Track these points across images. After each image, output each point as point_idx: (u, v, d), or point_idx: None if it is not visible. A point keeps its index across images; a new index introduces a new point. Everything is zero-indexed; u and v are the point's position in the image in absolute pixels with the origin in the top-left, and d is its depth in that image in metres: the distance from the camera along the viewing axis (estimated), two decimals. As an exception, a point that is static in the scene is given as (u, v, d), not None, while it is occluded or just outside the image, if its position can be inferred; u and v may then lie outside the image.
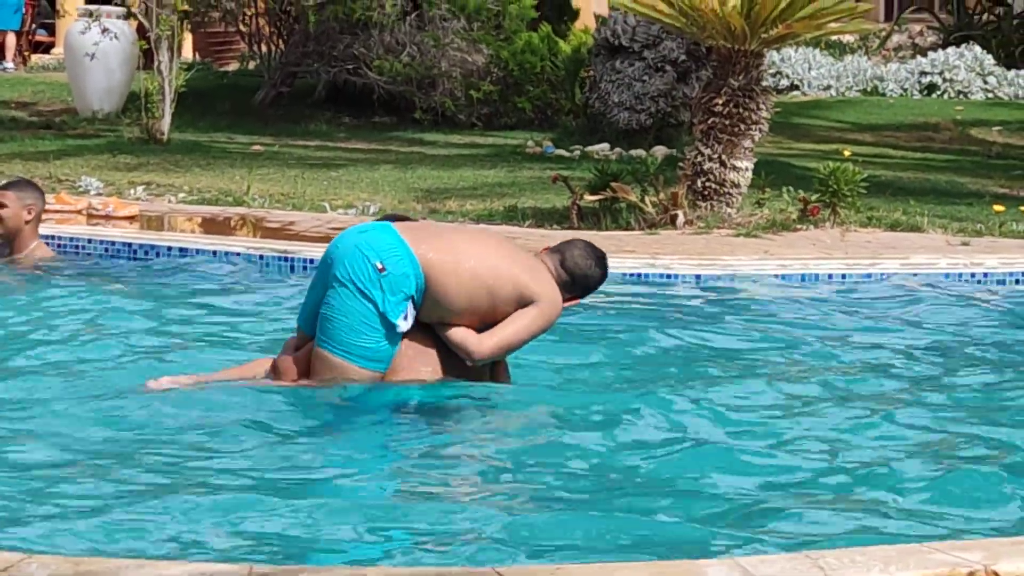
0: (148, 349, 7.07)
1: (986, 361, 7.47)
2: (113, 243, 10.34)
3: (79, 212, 11.71)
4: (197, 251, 10.07)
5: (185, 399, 5.97)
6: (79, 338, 7.29)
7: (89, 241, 10.42)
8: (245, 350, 6.97)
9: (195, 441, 5.55)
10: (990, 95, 22.13)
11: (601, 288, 6.44)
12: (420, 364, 5.99)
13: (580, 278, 6.20)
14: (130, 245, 10.29)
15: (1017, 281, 10.09)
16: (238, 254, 9.94)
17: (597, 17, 18.97)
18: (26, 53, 25.11)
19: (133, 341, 7.21)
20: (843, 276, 9.97)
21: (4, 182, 9.97)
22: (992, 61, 22.50)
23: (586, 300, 6.46)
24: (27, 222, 9.31)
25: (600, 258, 6.28)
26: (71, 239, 10.43)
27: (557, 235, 11.29)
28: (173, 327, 7.67)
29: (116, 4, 18.74)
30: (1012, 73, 22.37)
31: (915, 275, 10.00)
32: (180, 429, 5.69)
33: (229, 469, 5.21)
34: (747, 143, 11.93)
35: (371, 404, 5.89)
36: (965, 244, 11.18)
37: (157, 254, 10.11)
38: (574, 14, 21.37)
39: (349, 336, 5.89)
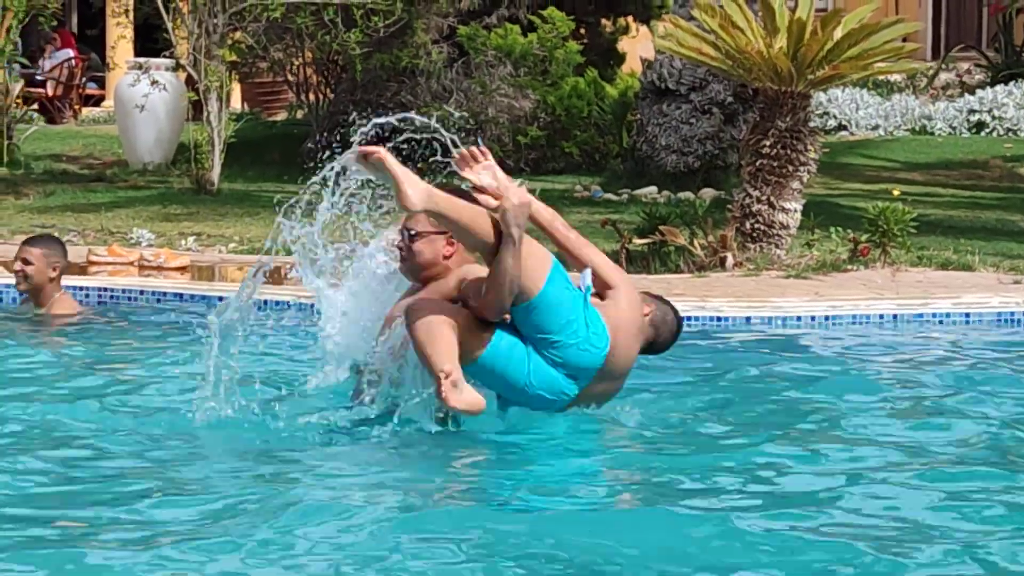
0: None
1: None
2: (165, 294, 10.41)
3: (131, 264, 11.79)
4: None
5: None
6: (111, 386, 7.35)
7: (141, 292, 10.49)
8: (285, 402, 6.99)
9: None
10: (1039, 132, 22.03)
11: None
12: None
13: (659, 343, 6.34)
14: (181, 296, 10.35)
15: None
16: (288, 303, 9.98)
17: (643, 61, 19.00)
18: (77, 107, 25.34)
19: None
20: (894, 316, 9.93)
21: (29, 238, 10.09)
22: (1041, 98, 22.40)
23: None
24: (51, 279, 9.55)
25: (675, 333, 6.41)
26: (124, 291, 10.50)
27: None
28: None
29: (165, 56, 18.89)
30: (1061, 110, 22.26)
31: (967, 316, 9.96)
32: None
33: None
34: (795, 184, 11.91)
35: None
36: (1017, 282, 11.12)
37: (208, 304, 10.16)
38: (620, 58, 21.41)
39: None
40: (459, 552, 4.76)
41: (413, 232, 6.50)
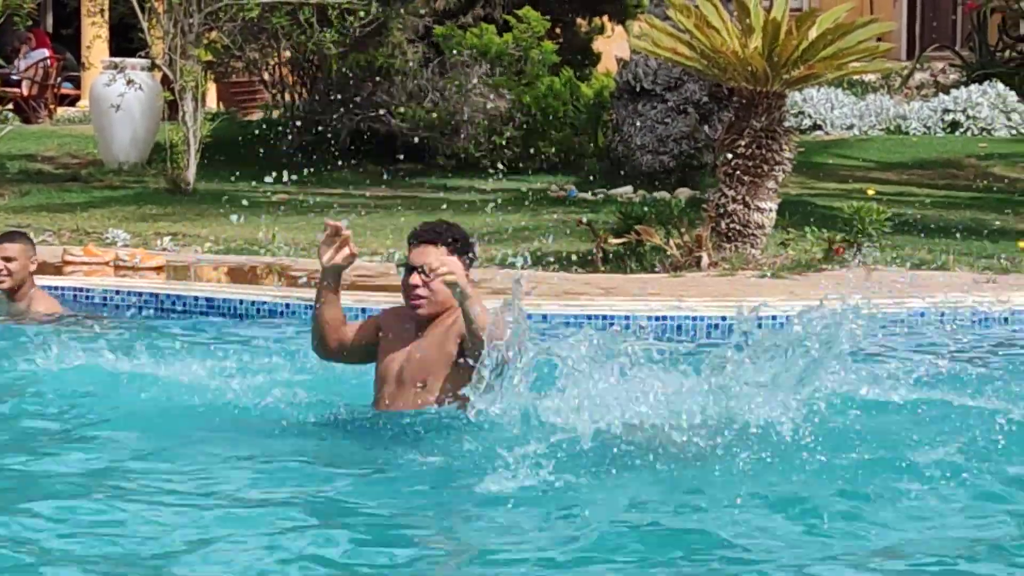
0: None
1: None
2: (140, 294, 10.39)
3: (106, 264, 11.77)
4: (224, 300, 10.11)
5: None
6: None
7: (117, 292, 10.47)
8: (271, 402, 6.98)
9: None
10: (1013, 132, 22.10)
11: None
12: None
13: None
14: (157, 296, 10.34)
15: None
16: (265, 303, 9.97)
17: (619, 60, 19.03)
18: (52, 106, 25.26)
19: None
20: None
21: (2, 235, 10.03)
22: (1015, 98, 22.47)
23: None
24: (31, 273, 9.57)
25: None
26: (102, 291, 10.49)
27: (581, 278, 11.33)
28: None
29: (140, 56, 18.86)
30: (1035, 109, 22.35)
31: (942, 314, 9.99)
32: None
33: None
34: (771, 184, 11.95)
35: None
36: (992, 282, 11.16)
37: (184, 304, 10.15)
38: (595, 58, 21.44)
39: None
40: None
41: (431, 270, 6.36)
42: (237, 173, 18.86)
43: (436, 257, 6.28)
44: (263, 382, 7.28)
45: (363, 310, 9.65)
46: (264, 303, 10.01)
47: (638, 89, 17.58)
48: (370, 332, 6.58)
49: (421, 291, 6.37)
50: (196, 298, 10.23)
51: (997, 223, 15.25)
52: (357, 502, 5.49)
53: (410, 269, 6.40)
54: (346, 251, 6.47)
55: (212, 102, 23.68)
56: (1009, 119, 22.24)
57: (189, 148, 17.01)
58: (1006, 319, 10.03)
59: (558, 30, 20.97)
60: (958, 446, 6.02)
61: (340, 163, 19.85)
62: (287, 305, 9.94)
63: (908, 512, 5.36)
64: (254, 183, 18.36)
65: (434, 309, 6.40)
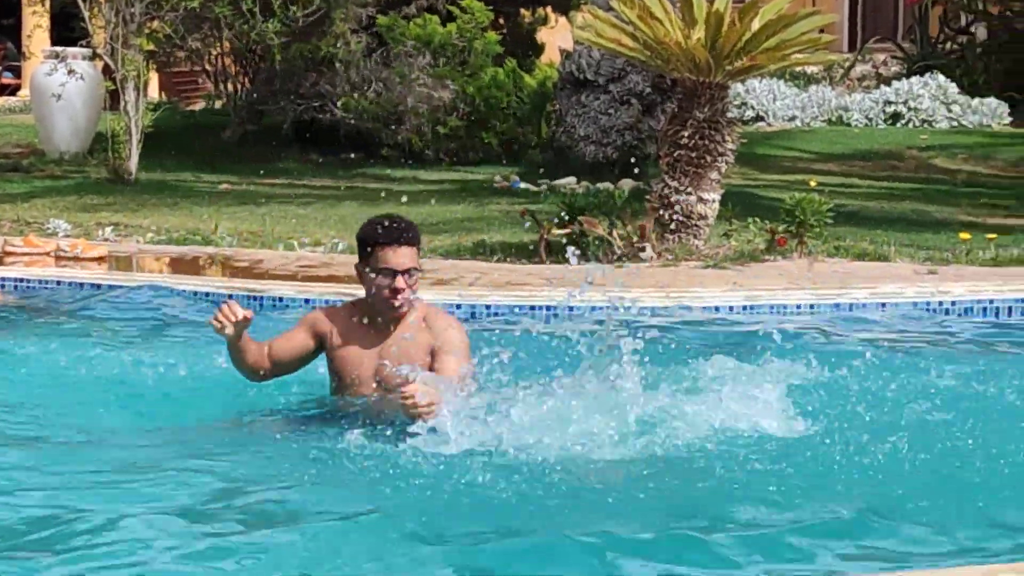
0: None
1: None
2: (82, 285, 10.33)
3: (47, 254, 11.69)
4: (169, 290, 10.06)
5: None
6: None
7: (58, 283, 10.40)
8: (214, 390, 6.95)
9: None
10: (954, 123, 22.26)
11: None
12: None
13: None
14: (99, 286, 10.28)
15: (984, 308, 10.14)
16: (207, 293, 9.93)
17: (562, 52, 19.04)
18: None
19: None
20: (811, 306, 10.00)
21: None
22: (956, 90, 22.63)
23: None
24: None
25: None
26: (41, 281, 10.41)
27: (525, 269, 11.33)
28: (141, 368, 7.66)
29: (82, 45, 18.74)
30: (976, 101, 22.50)
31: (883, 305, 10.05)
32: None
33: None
34: (713, 175, 11.98)
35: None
36: (932, 272, 11.23)
37: (126, 294, 10.09)
38: (539, 49, 21.45)
39: None
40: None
41: (416, 270, 6.31)
42: (180, 163, 18.80)
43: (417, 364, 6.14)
44: (207, 371, 7.26)
45: (306, 300, 9.64)
46: (207, 293, 9.96)
47: (582, 80, 17.60)
48: (305, 342, 6.43)
49: (407, 294, 6.27)
50: (139, 286, 10.17)
51: (938, 214, 15.35)
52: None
53: (393, 273, 6.23)
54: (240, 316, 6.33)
55: (154, 92, 23.57)
56: (950, 111, 22.40)
57: (131, 138, 16.92)
58: (947, 310, 10.10)
59: (501, 21, 20.98)
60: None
61: (283, 153, 19.81)
62: (230, 295, 9.89)
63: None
64: (197, 173, 18.31)
65: (406, 308, 6.34)
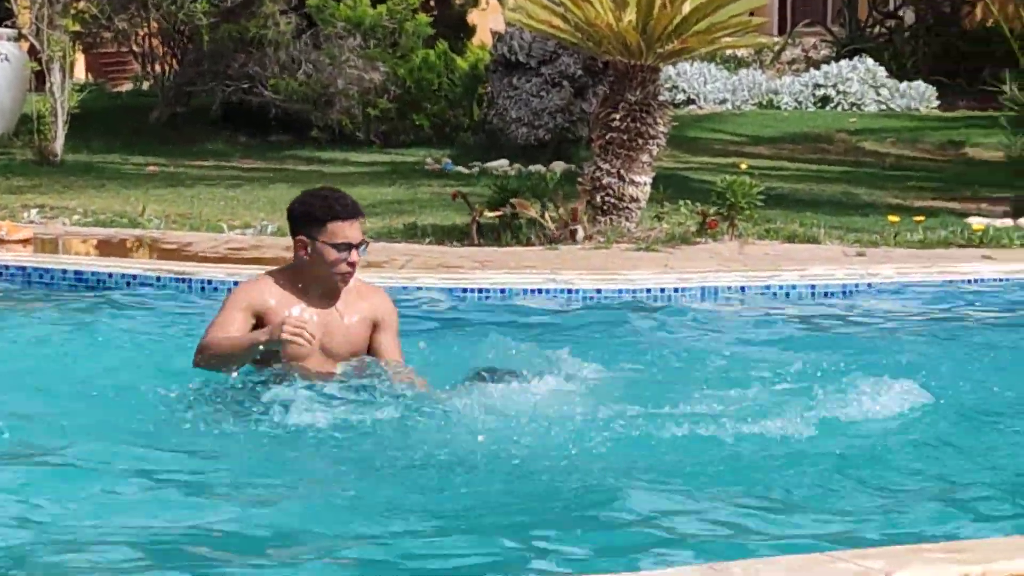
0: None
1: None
2: (7, 267, 10.21)
3: (-28, 236, 11.55)
4: (93, 273, 9.96)
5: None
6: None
7: (-18, 265, 10.28)
8: (139, 374, 6.88)
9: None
10: (883, 107, 22.37)
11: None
12: None
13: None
14: (24, 269, 10.16)
15: (912, 290, 10.20)
16: (135, 276, 9.84)
17: (493, 33, 18.99)
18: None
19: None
20: (742, 288, 10.03)
21: None
22: (884, 73, 22.75)
23: None
24: None
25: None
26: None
27: (457, 252, 11.30)
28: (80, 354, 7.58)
29: (6, 26, 18.52)
30: (904, 85, 22.63)
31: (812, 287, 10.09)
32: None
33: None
34: (645, 157, 11.98)
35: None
36: (861, 255, 11.28)
37: (52, 278, 9.99)
38: (470, 31, 21.38)
39: None
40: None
41: (365, 243, 6.47)
42: (107, 145, 18.63)
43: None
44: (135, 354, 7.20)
45: (235, 283, 9.54)
46: (134, 276, 9.87)
47: (513, 62, 17.57)
48: (244, 325, 6.35)
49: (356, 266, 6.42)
50: (64, 271, 10.06)
51: (867, 197, 15.43)
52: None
53: (350, 246, 6.34)
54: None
55: (81, 73, 23.33)
56: (879, 94, 22.52)
57: (57, 119, 16.74)
58: (875, 292, 10.15)
59: (432, 2, 20.88)
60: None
61: (212, 135, 19.67)
62: (157, 278, 9.81)
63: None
64: (124, 154, 18.15)
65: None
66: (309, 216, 6.38)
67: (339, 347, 6.44)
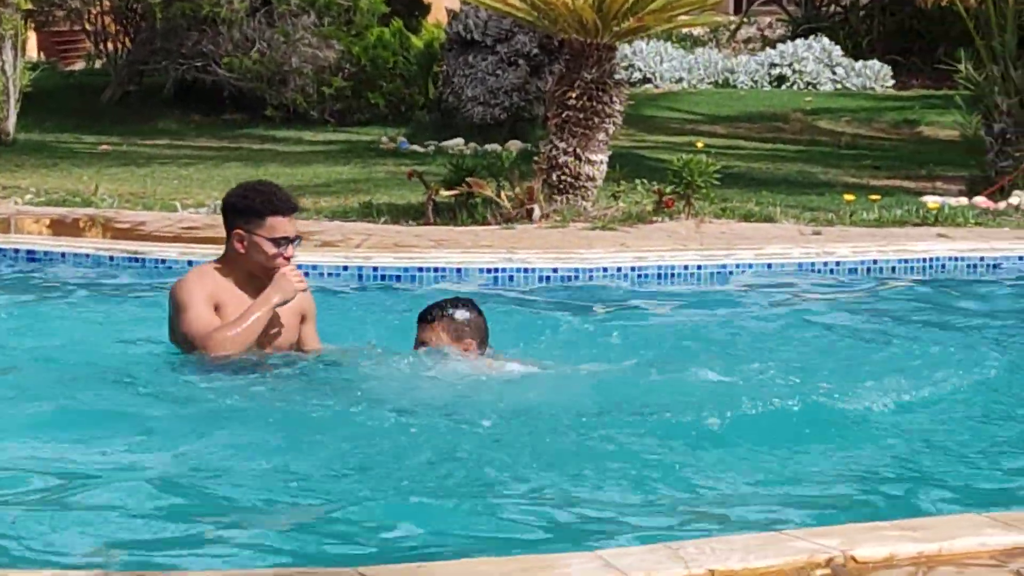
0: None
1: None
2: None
3: (-78, 215, 11.45)
4: (45, 253, 9.88)
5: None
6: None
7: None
8: (95, 356, 6.83)
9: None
10: (838, 86, 22.42)
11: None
12: None
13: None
14: (-23, 248, 10.08)
15: (868, 270, 10.22)
16: (87, 256, 9.77)
17: (449, 12, 18.93)
18: None
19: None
20: (699, 267, 10.03)
21: None
22: (840, 52, 22.80)
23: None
24: None
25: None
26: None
27: (413, 231, 11.26)
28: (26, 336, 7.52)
29: (-42, 3, 18.36)
30: (859, 64, 22.67)
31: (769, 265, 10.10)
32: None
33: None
34: (601, 136, 11.96)
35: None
36: (817, 233, 11.29)
37: (3, 256, 9.91)
38: (425, 9, 21.32)
39: None
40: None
41: (301, 237, 6.59)
42: (59, 124, 18.51)
43: None
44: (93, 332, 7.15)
45: (189, 262, 9.50)
46: (87, 255, 9.80)
47: (469, 40, 17.52)
48: (212, 311, 6.37)
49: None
50: (16, 250, 9.98)
51: (822, 176, 15.46)
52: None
53: (288, 241, 6.38)
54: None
55: (33, 51, 23.17)
56: (834, 73, 22.56)
57: (9, 98, 16.62)
58: (831, 270, 10.17)
59: (387, -20, 20.82)
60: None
61: (165, 114, 19.56)
62: (111, 257, 9.75)
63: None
64: (77, 134, 18.04)
65: None
66: (249, 210, 6.39)
67: (276, 338, 6.46)
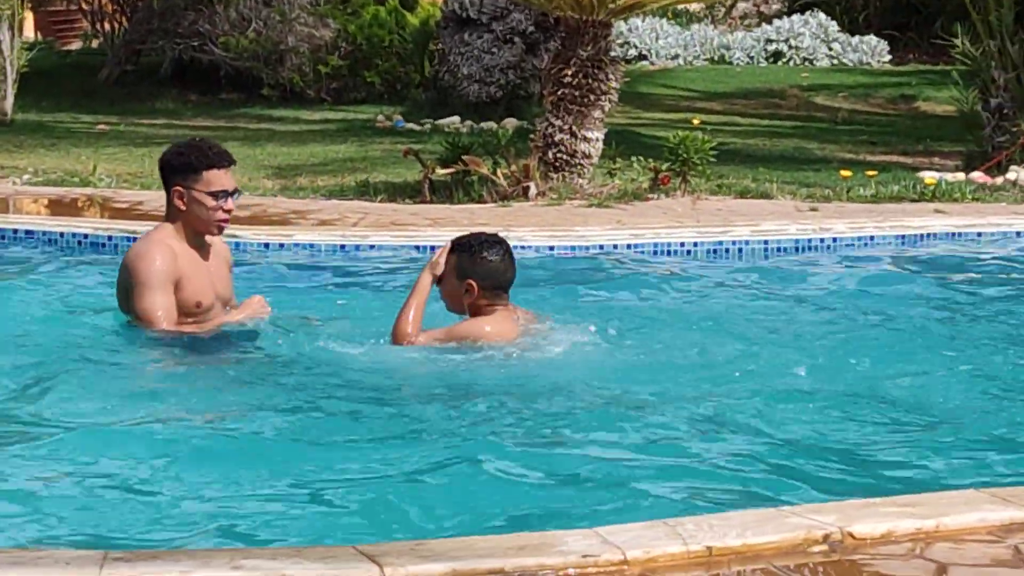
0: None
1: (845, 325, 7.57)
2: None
3: (-80, 196, 11.45)
4: (44, 233, 9.88)
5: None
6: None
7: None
8: (88, 332, 6.84)
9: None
10: (835, 61, 22.40)
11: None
12: None
13: None
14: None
15: (865, 244, 10.23)
16: (86, 236, 9.78)
17: (445, -11, 18.91)
18: None
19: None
20: (695, 244, 10.03)
21: None
22: (836, 28, 22.77)
23: None
24: None
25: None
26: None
27: (409, 209, 11.27)
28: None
29: (-47, -17, 18.33)
30: (856, 39, 22.65)
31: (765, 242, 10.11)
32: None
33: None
34: (597, 113, 11.96)
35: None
36: (814, 210, 11.30)
37: (3, 237, 9.92)
38: (421, -13, 21.30)
39: None
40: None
41: (239, 190, 6.70)
42: (57, 104, 18.49)
43: None
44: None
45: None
46: (85, 235, 9.81)
47: (464, 18, 17.51)
48: (172, 293, 6.49)
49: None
50: (15, 230, 9.99)
51: (819, 152, 15.46)
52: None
53: (227, 194, 6.48)
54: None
55: (30, 31, 23.13)
56: (830, 49, 22.54)
57: (6, 78, 16.60)
58: (828, 246, 10.18)
59: (383, -42, 20.78)
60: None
61: (162, 93, 19.54)
62: (109, 237, 9.75)
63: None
64: (74, 113, 18.02)
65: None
66: (186, 166, 6.49)
67: (225, 292, 6.67)
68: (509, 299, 6.55)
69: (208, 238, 6.59)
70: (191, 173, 6.45)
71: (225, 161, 6.50)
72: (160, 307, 6.38)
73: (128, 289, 6.45)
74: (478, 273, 6.45)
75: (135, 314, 6.43)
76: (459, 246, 6.51)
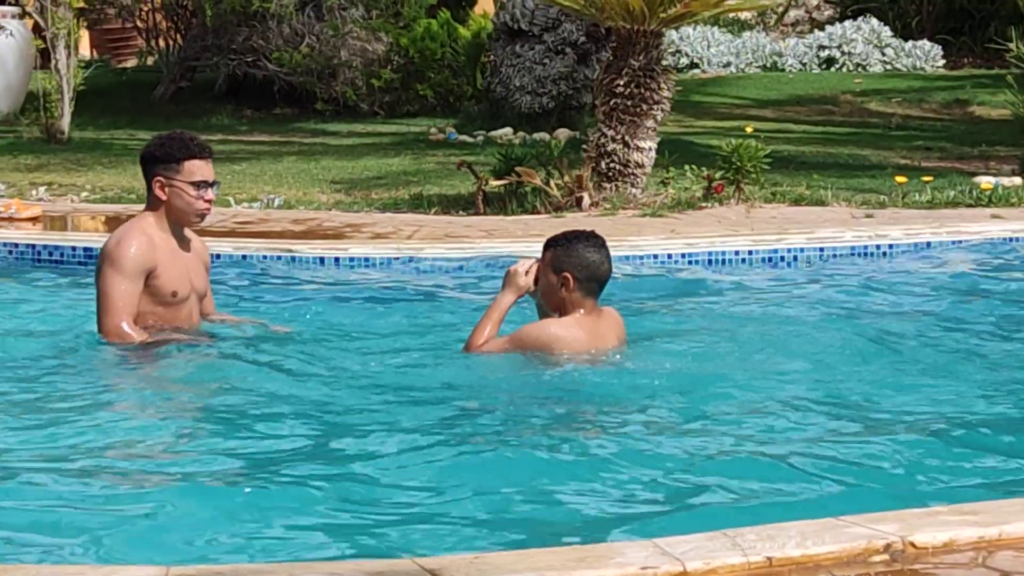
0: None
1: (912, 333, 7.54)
2: (17, 245, 10.21)
3: (-20, 216, 11.55)
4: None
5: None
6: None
7: (-8, 245, 10.28)
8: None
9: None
10: (888, 67, 22.31)
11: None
12: None
13: None
14: (34, 247, 10.16)
15: (921, 250, 10.18)
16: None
17: (496, 1, 18.94)
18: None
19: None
20: (750, 252, 10.02)
21: None
22: (889, 33, 22.67)
23: None
24: None
25: None
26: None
27: (463, 221, 11.30)
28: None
29: (11, 3, 18.50)
30: (909, 44, 22.55)
31: (821, 249, 10.07)
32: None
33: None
34: (650, 123, 11.96)
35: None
36: (869, 216, 11.26)
37: (62, 255, 10.00)
38: (472, 0, 21.35)
39: None
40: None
41: (218, 182, 6.85)
42: (113, 121, 18.63)
43: None
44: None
45: (243, 256, 9.59)
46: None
47: (516, 30, 17.53)
48: (140, 287, 6.60)
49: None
50: (74, 248, 10.07)
51: (873, 158, 15.40)
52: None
53: (208, 184, 6.62)
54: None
55: (85, 50, 23.33)
56: (883, 54, 22.44)
57: (63, 97, 16.73)
58: (884, 253, 10.14)
59: (434, -28, 20.84)
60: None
61: (216, 109, 19.65)
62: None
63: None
64: (130, 130, 18.15)
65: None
66: (167, 157, 6.61)
67: (201, 286, 6.80)
68: (599, 300, 6.49)
69: (188, 234, 6.76)
70: (172, 163, 6.60)
71: (205, 152, 6.66)
72: (121, 296, 6.50)
73: (98, 270, 6.62)
74: (574, 264, 6.40)
75: (97, 293, 6.59)
76: (553, 241, 6.50)
